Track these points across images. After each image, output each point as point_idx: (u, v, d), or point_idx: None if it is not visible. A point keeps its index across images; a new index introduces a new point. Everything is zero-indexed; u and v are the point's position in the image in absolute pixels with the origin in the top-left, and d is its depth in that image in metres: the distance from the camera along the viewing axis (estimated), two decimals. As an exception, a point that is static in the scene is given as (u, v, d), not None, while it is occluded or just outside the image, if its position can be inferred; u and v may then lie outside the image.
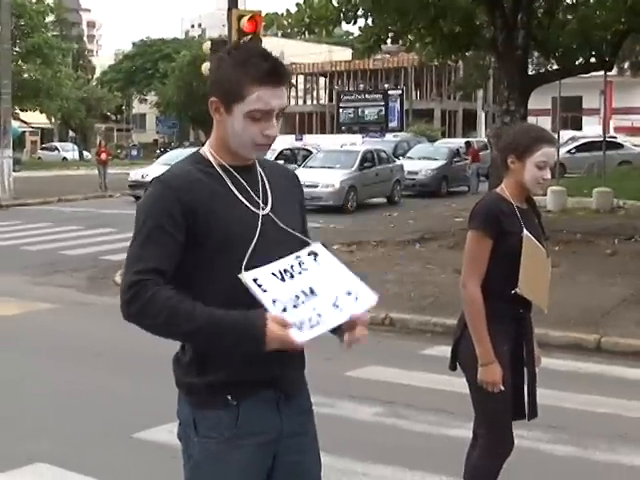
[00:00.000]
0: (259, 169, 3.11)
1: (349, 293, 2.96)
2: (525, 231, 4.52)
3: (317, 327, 2.85)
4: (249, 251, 2.90)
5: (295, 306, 2.86)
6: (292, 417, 3.08)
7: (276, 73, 2.95)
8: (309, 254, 3.02)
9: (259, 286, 2.85)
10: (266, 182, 3.09)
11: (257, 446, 3.00)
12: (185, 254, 2.92)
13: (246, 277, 2.84)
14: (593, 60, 19.76)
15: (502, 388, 4.47)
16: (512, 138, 4.70)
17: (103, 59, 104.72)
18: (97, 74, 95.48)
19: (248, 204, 2.99)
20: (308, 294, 2.91)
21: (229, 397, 2.96)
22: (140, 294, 2.80)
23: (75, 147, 75.17)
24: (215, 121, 3.06)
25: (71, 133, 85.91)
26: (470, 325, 4.56)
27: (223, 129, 3.02)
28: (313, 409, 3.24)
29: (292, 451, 3.09)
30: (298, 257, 2.99)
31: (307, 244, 3.07)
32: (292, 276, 2.93)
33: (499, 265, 4.50)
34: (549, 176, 4.58)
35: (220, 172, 3.01)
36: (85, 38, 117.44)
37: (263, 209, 3.01)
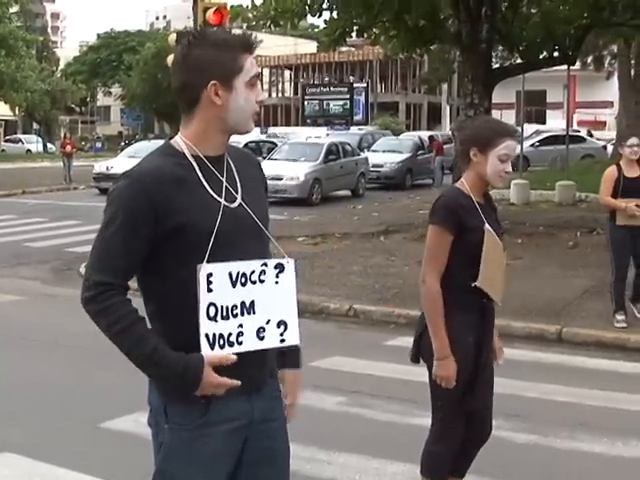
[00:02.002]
0: (228, 158, 3.08)
1: (279, 324, 2.98)
2: (487, 225, 4.55)
3: (230, 347, 2.88)
4: (210, 243, 2.88)
5: (226, 317, 2.88)
6: (262, 403, 3.09)
7: (253, 41, 3.04)
8: (276, 266, 3.02)
9: (209, 283, 2.86)
10: (235, 172, 3.07)
11: (228, 432, 3.01)
12: (155, 248, 2.91)
13: (202, 271, 2.86)
14: (556, 54, 19.87)
15: (454, 384, 4.53)
16: (475, 131, 4.68)
17: (67, 51, 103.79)
18: (61, 66, 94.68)
19: (217, 197, 2.96)
20: (246, 308, 2.93)
21: (202, 400, 2.95)
22: (101, 299, 2.86)
23: (39, 139, 74.57)
24: (200, 108, 2.99)
25: (35, 125, 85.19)
26: (428, 319, 4.60)
27: (215, 112, 2.98)
28: (282, 397, 3.26)
29: (263, 437, 3.10)
30: (264, 265, 2.99)
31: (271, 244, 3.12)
32: (244, 284, 2.93)
33: (460, 259, 4.54)
34: (510, 169, 4.60)
35: (193, 163, 2.97)
36: (49, 29, 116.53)
37: (234, 201, 3.01)
